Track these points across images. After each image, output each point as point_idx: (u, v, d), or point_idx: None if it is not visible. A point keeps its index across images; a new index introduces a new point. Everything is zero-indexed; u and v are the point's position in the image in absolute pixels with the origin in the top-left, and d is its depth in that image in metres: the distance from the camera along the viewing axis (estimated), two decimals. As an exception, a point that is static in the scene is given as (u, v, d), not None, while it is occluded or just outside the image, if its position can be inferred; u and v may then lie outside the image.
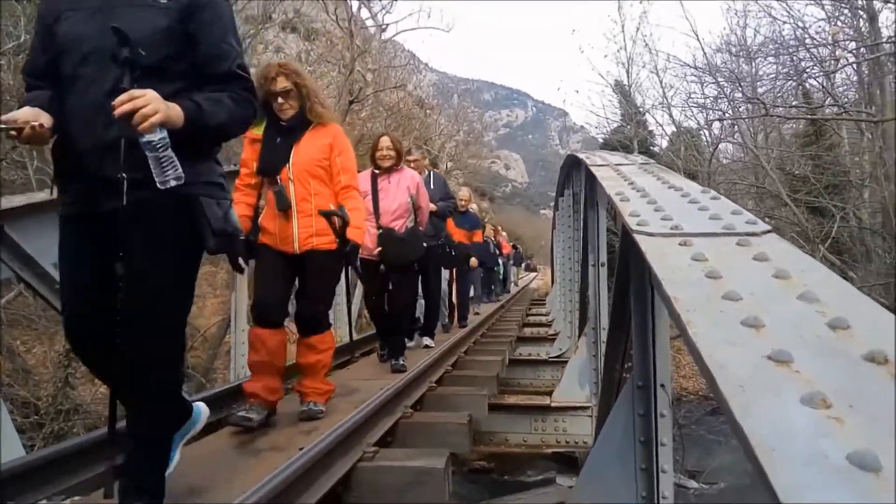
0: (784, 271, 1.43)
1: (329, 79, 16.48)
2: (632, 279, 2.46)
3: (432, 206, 5.73)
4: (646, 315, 2.43)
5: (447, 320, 7.67)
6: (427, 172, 6.13)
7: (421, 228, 4.95)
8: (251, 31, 12.38)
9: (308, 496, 2.14)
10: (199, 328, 12.35)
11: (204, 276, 13.92)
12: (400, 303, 4.75)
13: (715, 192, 2.34)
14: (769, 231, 1.81)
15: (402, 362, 4.56)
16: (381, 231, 4.60)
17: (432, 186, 5.97)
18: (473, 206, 10.50)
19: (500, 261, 15.89)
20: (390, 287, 4.70)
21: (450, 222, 7.40)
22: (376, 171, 4.80)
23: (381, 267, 4.59)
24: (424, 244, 5.04)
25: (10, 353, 10.43)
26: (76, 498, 2.48)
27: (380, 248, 4.57)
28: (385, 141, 4.84)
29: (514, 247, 23.03)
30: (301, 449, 2.34)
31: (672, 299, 1.35)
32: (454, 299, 8.25)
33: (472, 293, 10.66)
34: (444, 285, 7.22)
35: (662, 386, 2.46)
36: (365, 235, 3.35)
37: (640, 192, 2.42)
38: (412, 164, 5.83)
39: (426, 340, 5.94)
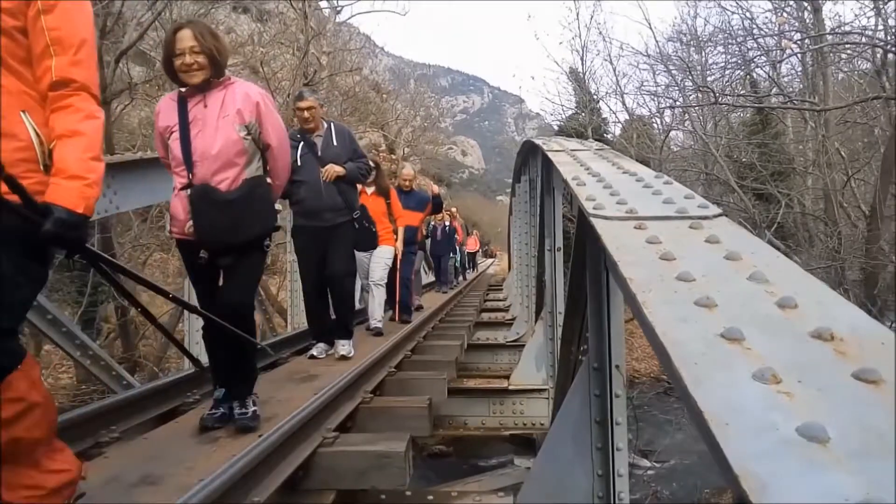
0: (735, 253, 1.48)
1: (282, 61, 16.19)
2: (588, 262, 2.50)
3: (338, 169, 4.45)
4: (601, 297, 2.48)
5: (376, 322, 5.90)
6: (325, 125, 4.65)
7: (276, 184, 3.06)
8: (201, 10, 12.03)
9: (268, 482, 2.12)
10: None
11: (156, 263, 13.59)
12: (230, 309, 2.75)
13: (668, 178, 2.40)
14: (721, 215, 1.86)
15: (251, 411, 2.71)
16: (191, 190, 2.74)
17: (335, 143, 4.56)
18: (433, 188, 9.45)
19: (457, 247, 15.20)
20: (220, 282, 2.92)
21: (396, 203, 6.36)
22: (184, 91, 2.85)
23: (202, 253, 2.79)
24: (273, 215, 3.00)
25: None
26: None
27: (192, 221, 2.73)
28: (185, 37, 2.74)
29: (468, 232, 21.97)
30: (260, 436, 2.32)
31: (628, 280, 1.38)
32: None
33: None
34: (381, 273, 5.98)
35: (617, 367, 2.53)
36: (89, 193, 1.62)
37: (595, 177, 2.46)
38: (305, 115, 4.49)
39: (341, 348, 4.46)
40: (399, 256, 6.40)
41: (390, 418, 3.20)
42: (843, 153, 11.38)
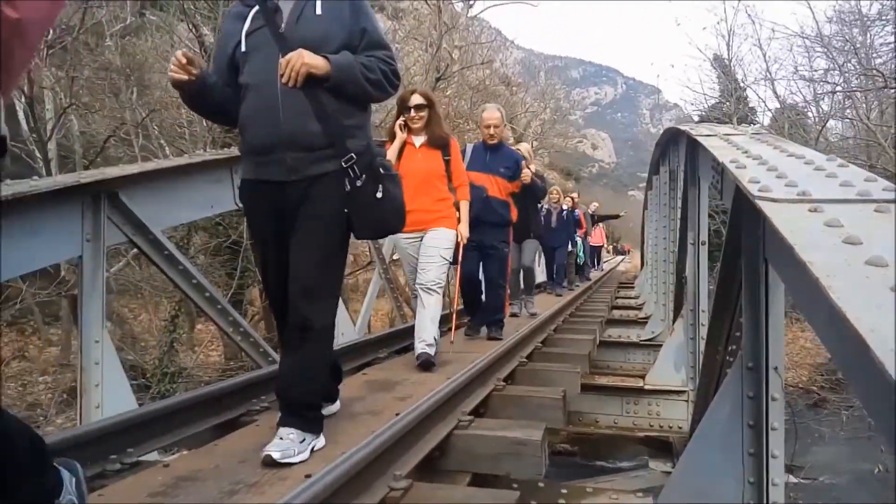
0: (936, 238, 1.29)
1: (415, 57, 16.57)
2: (743, 252, 2.33)
3: (312, 60, 2.19)
4: (758, 291, 2.30)
5: (424, 345, 3.77)
6: None
7: None
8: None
9: (407, 458, 2.16)
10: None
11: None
12: None
13: (842, 160, 2.17)
14: (912, 198, 1.65)
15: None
16: None
17: (319, 10, 2.31)
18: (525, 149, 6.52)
19: (578, 240, 12.57)
20: None
21: (457, 161, 4.16)
22: None
23: None
24: None
25: (119, 319, 11.27)
26: (184, 451, 2.63)
27: None
28: None
29: (593, 222, 16.81)
30: (397, 414, 2.36)
31: (807, 264, 1.25)
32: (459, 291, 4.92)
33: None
34: (437, 272, 3.89)
35: (776, 368, 2.33)
36: None
37: (757, 160, 2.27)
38: None
39: (276, 444, 2.07)
40: (462, 243, 4.16)
41: (523, 407, 3.16)
42: None
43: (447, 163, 4.05)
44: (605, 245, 24.30)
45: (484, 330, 4.99)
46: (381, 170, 2.34)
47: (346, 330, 4.92)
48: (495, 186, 5.04)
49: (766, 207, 1.68)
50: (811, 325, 1.40)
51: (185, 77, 2.20)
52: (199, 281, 3.98)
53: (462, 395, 2.94)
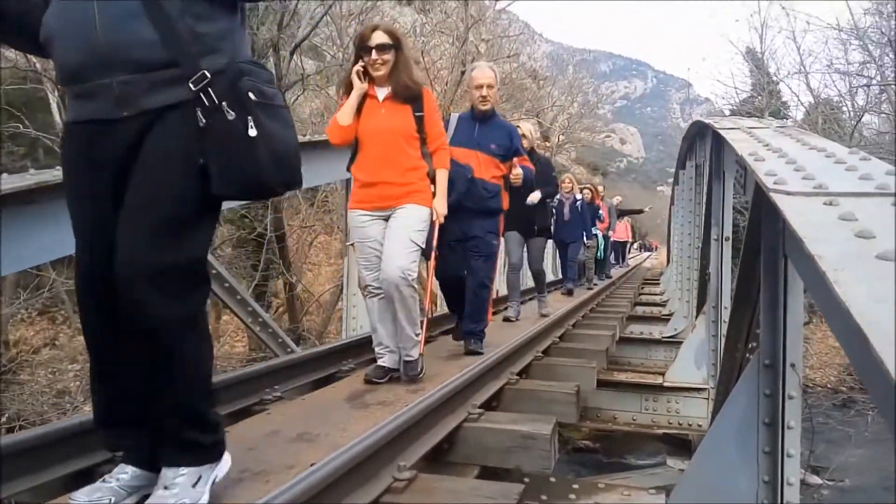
0: (952, 233, 1.25)
1: (442, 50, 16.55)
2: (763, 248, 2.29)
3: None
4: (776, 287, 2.26)
5: (409, 354, 3.12)
6: None
7: None
8: (368, 4, 12.61)
9: (415, 449, 2.17)
10: (314, 294, 13.02)
11: (320, 244, 14.57)
12: None
13: (865, 154, 2.11)
14: (933, 192, 1.59)
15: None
16: None
17: None
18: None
19: (597, 233, 11.45)
20: None
21: (433, 116, 3.19)
22: None
23: None
24: None
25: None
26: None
27: None
28: None
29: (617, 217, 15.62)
30: (407, 405, 2.37)
31: (816, 258, 1.23)
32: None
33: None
34: (404, 262, 2.98)
35: (793, 365, 2.29)
36: None
37: (776, 153, 2.22)
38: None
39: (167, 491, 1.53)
40: (438, 222, 3.16)
41: (536, 402, 3.15)
42: None
43: (419, 120, 3.11)
44: (631, 240, 23.90)
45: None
46: (253, 95, 1.53)
47: (364, 323, 4.93)
48: (483, 166, 4.00)
49: (780, 201, 1.65)
50: (826, 321, 1.37)
51: None
52: (219, 271, 4.02)
53: (474, 387, 2.94)
